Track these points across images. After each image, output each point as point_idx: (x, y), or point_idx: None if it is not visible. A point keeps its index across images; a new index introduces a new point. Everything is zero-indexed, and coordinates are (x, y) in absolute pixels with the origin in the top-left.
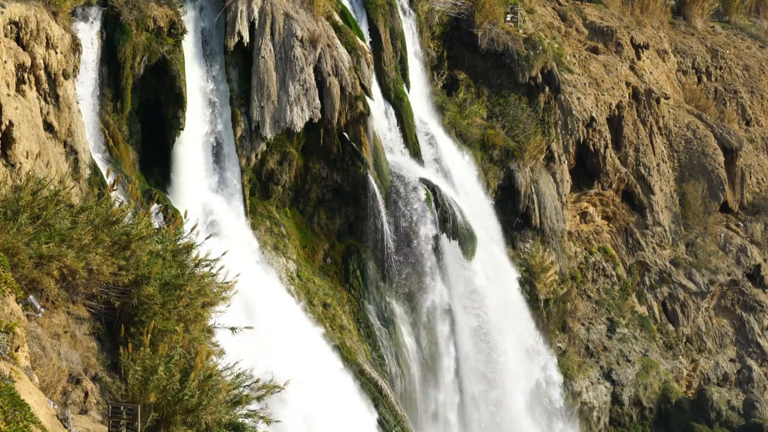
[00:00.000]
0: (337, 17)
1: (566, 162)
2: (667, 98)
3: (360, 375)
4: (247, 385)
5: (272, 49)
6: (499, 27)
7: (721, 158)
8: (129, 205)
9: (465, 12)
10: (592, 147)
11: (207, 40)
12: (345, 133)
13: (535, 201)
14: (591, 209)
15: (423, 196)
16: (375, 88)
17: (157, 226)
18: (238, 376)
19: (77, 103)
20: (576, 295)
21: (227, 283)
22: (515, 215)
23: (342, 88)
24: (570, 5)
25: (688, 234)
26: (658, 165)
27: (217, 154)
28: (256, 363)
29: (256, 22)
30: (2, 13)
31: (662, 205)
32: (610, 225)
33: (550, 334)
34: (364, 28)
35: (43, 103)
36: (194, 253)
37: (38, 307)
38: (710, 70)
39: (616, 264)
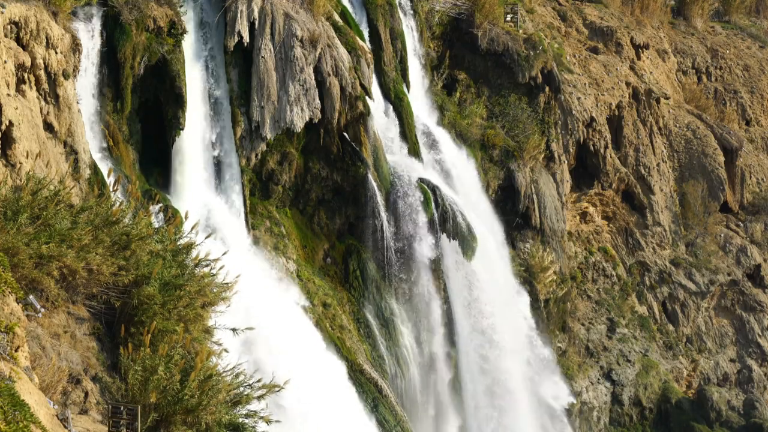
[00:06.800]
0: (337, 17)
1: (566, 162)
2: (667, 98)
3: (360, 375)
4: (248, 385)
5: (272, 49)
6: (499, 27)
7: (721, 158)
8: (129, 205)
9: (465, 12)
10: (592, 147)
11: (207, 40)
12: (345, 133)
13: (535, 201)
14: (591, 209)
15: (423, 197)
16: (375, 88)
17: (157, 226)
18: (237, 376)
19: (77, 103)
20: (576, 295)
21: (227, 283)
22: (515, 215)
23: (342, 88)
24: (570, 5)
25: (688, 234)
26: (658, 165)
27: (217, 154)
28: (256, 363)
29: (256, 22)
30: (2, 13)
31: (662, 205)
32: (610, 225)
33: (550, 334)
34: (364, 28)
35: (43, 103)
36: (194, 253)
37: (38, 307)
38: (710, 70)
39: (616, 264)
